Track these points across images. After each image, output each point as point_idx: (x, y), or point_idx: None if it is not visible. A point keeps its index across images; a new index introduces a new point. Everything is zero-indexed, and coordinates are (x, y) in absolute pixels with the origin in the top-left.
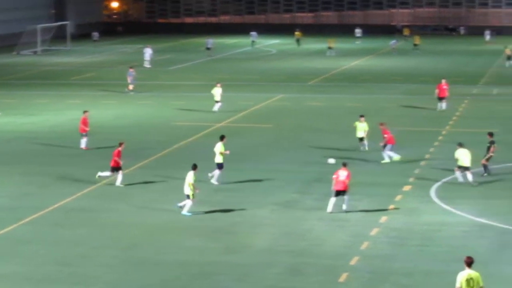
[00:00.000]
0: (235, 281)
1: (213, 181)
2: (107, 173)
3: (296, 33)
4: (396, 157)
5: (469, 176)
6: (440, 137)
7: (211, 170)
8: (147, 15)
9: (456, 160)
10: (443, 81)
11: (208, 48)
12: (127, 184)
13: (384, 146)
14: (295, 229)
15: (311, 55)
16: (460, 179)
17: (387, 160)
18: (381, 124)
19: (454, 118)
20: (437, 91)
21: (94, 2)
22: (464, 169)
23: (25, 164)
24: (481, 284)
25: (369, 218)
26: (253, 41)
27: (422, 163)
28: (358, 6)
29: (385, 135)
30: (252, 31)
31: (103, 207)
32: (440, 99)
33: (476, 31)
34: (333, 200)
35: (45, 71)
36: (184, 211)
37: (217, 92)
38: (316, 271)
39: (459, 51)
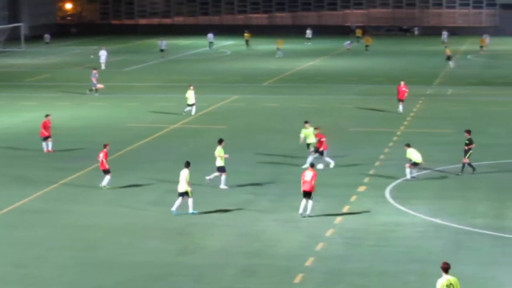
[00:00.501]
0: (190, 282)
1: (222, 186)
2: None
3: (245, 34)
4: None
5: (412, 171)
6: (395, 138)
7: (166, 171)
8: (101, 17)
9: (410, 159)
10: (402, 83)
11: (161, 50)
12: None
13: (321, 152)
14: (249, 230)
15: (266, 56)
16: (409, 175)
17: (332, 163)
18: (316, 128)
19: (409, 118)
20: (397, 93)
21: (48, 3)
22: (416, 165)
23: None
24: None
25: (324, 219)
26: (210, 43)
27: (377, 163)
28: (312, 7)
29: (323, 139)
30: (209, 33)
31: (59, 209)
32: (400, 100)
33: (430, 32)
34: (303, 201)
35: None
36: (191, 209)
37: (190, 94)
38: (271, 272)
39: (413, 52)
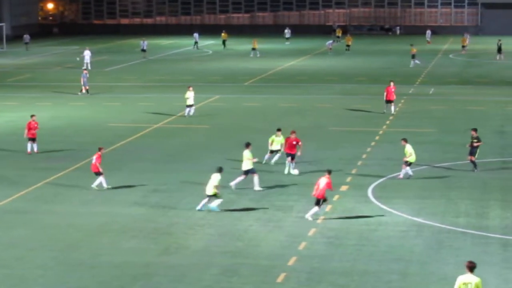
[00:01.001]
0: (172, 282)
1: (257, 188)
2: None
3: (222, 34)
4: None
5: (408, 171)
6: (377, 137)
7: (148, 171)
8: (82, 16)
9: (410, 155)
10: (391, 84)
11: (143, 50)
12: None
13: (293, 156)
14: (231, 229)
15: (247, 56)
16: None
17: (295, 172)
18: (293, 132)
19: (391, 118)
20: (385, 93)
21: (30, 3)
22: (409, 165)
23: None
24: None
25: (307, 219)
26: (195, 42)
27: (359, 163)
28: (293, 6)
29: (300, 143)
30: (194, 32)
31: (39, 209)
32: (388, 101)
33: (412, 31)
34: (314, 208)
35: None
36: (214, 205)
37: (190, 95)
38: (253, 272)
39: (395, 51)
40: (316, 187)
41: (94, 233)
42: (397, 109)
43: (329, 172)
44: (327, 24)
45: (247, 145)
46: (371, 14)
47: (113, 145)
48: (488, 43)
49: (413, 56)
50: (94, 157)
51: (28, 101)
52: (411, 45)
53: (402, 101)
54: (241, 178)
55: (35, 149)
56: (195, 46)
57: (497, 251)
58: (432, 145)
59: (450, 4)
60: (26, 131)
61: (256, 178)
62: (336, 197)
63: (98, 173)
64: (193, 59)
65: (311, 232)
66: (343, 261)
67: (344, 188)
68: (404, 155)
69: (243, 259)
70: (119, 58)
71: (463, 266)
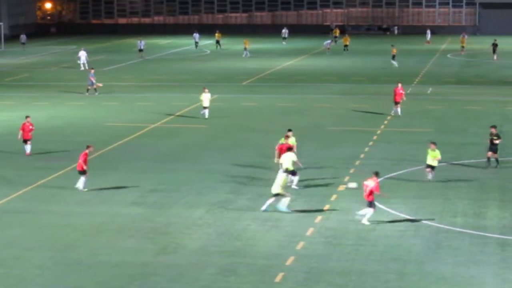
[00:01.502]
0: (169, 281)
1: (294, 186)
2: None
3: (216, 34)
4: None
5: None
6: (375, 137)
7: (145, 171)
8: (80, 16)
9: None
10: (399, 85)
11: (140, 50)
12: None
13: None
14: (229, 229)
15: (250, 55)
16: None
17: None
18: (287, 137)
19: (389, 117)
20: (393, 95)
21: (28, 3)
22: (431, 168)
23: None
24: None
25: (305, 218)
26: (196, 42)
27: (357, 162)
28: (291, 6)
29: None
30: (195, 32)
31: (38, 209)
32: (396, 103)
33: (410, 31)
34: (366, 210)
35: None
36: (283, 207)
37: (205, 97)
38: (251, 271)
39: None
40: (364, 188)
41: (92, 233)
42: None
43: (376, 174)
44: (325, 24)
45: (290, 149)
46: (369, 14)
47: (111, 144)
48: (486, 43)
49: (393, 57)
50: (81, 155)
51: (25, 101)
52: (392, 45)
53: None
54: (295, 177)
55: (28, 150)
56: (196, 46)
57: (495, 251)
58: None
59: (448, 4)
60: (20, 132)
61: (297, 178)
62: (334, 197)
63: (81, 172)
64: (190, 59)
65: (309, 231)
66: (341, 261)
67: (342, 187)
68: (429, 157)
69: (241, 259)
70: (117, 57)
71: (461, 266)
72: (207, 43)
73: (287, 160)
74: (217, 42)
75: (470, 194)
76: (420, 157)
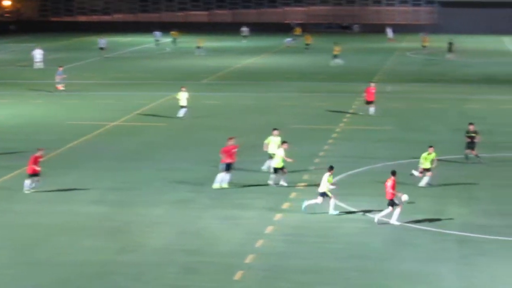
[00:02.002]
0: (130, 280)
1: (282, 183)
2: None
3: (172, 32)
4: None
5: (426, 179)
6: (335, 135)
7: (106, 169)
8: (40, 14)
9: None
10: (372, 85)
11: (101, 48)
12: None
13: (228, 166)
14: (190, 227)
15: (204, 54)
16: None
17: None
18: (231, 138)
19: (348, 115)
20: (364, 94)
21: None
22: (426, 171)
23: None
24: None
25: (264, 216)
26: (156, 40)
27: (317, 160)
28: (252, 4)
29: (234, 150)
30: (155, 31)
31: None
32: (368, 102)
33: (370, 29)
34: (387, 210)
35: None
36: (331, 211)
37: (182, 96)
38: (211, 270)
39: (353, 49)
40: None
41: (52, 232)
42: (353, 106)
43: (393, 173)
44: (286, 22)
45: (283, 142)
46: (329, 12)
47: (71, 142)
48: (446, 42)
49: (336, 56)
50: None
51: None
52: (335, 43)
53: (360, 98)
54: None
55: None
56: (157, 44)
57: (455, 247)
58: (391, 143)
59: (407, 2)
60: None
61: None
62: (293, 194)
63: (32, 175)
64: (151, 57)
65: (269, 229)
66: (301, 259)
67: (301, 185)
68: (421, 162)
69: (201, 257)
70: (77, 55)
71: (422, 263)
72: (167, 41)
73: (276, 158)
74: (174, 40)
75: (431, 191)
76: (379, 154)
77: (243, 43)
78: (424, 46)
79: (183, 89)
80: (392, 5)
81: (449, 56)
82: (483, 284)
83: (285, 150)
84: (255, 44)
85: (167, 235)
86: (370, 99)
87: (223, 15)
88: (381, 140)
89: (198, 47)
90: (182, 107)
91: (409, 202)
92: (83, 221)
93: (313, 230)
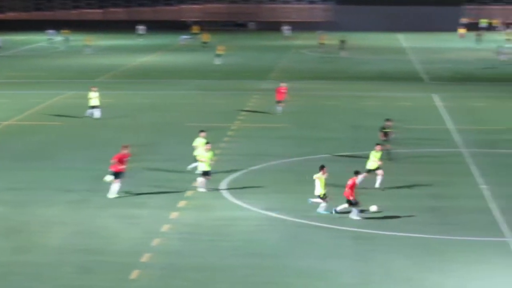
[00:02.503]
0: (27, 281)
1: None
2: None
3: (63, 31)
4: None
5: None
6: (230, 132)
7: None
8: None
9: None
10: (282, 84)
11: None
12: None
13: (116, 175)
14: (87, 227)
15: (99, 52)
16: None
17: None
18: (125, 146)
19: (244, 113)
20: (276, 94)
21: None
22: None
23: None
24: None
25: (161, 215)
26: (50, 39)
27: (212, 158)
28: (147, 2)
29: (125, 158)
30: (48, 29)
31: None
32: (278, 102)
33: (265, 27)
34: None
35: None
36: (321, 210)
37: (93, 96)
38: (107, 269)
39: (249, 47)
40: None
41: None
42: (249, 104)
43: (356, 173)
44: (182, 20)
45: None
46: (225, 9)
47: None
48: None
49: (218, 55)
50: None
51: None
52: (219, 44)
53: (256, 96)
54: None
55: None
56: (50, 43)
57: (350, 244)
58: (287, 140)
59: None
60: None
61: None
62: (189, 193)
63: None
64: (45, 56)
65: (165, 228)
66: (197, 257)
67: (197, 183)
68: (369, 160)
69: (98, 257)
70: None
71: (317, 259)
72: (60, 39)
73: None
74: (66, 39)
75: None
76: (276, 152)
77: (139, 41)
78: (322, 44)
79: (94, 89)
80: (288, 2)
81: (343, 53)
82: (379, 279)
83: (208, 151)
84: (151, 42)
85: (64, 235)
86: (279, 98)
87: (117, 13)
88: (277, 137)
89: (87, 46)
90: (93, 107)
91: (306, 200)
92: None
93: (209, 228)
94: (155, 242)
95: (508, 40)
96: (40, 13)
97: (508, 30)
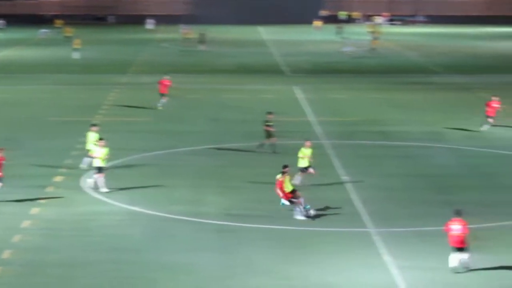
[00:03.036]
0: None
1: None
2: None
3: None
4: None
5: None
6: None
7: None
8: None
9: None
10: (166, 77)
11: None
12: None
13: None
14: None
15: None
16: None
17: None
18: (0, 149)
19: (105, 107)
20: (159, 86)
21: None
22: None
23: None
24: None
25: (21, 210)
26: None
27: (74, 153)
28: None
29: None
30: None
31: None
32: (162, 95)
33: (126, 20)
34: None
35: None
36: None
37: None
38: None
39: (109, 40)
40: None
41: None
42: (110, 98)
43: (285, 168)
44: (41, 13)
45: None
46: (83, 3)
47: None
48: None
49: (76, 49)
50: None
51: None
52: (76, 38)
53: (116, 90)
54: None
55: None
56: None
57: (214, 237)
58: (149, 134)
59: None
60: None
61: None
62: (50, 188)
63: None
64: None
65: (25, 224)
66: (59, 252)
67: (58, 178)
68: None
69: None
70: None
71: (180, 253)
72: None
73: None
74: None
75: (188, 181)
76: (137, 146)
77: None
78: (187, 39)
79: None
80: None
81: (201, 47)
82: (242, 271)
83: (103, 147)
84: (10, 36)
85: None
86: (163, 92)
87: None
88: (139, 131)
89: None
90: None
91: (166, 192)
92: None
93: (70, 223)
94: (16, 238)
95: (370, 32)
96: None
97: (368, 23)
